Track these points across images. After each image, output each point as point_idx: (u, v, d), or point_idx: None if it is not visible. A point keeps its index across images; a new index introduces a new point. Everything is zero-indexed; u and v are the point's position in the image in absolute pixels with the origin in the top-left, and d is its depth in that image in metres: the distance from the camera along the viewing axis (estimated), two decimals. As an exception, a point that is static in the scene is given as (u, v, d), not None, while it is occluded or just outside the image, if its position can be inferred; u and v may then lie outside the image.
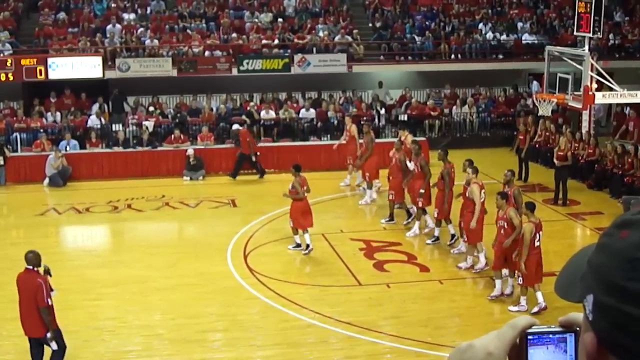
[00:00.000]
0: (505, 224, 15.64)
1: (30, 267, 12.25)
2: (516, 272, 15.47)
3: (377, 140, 25.24)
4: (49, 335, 12.22)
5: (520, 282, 15.22)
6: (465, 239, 17.89)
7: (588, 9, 24.37)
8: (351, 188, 25.29)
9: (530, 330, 1.69)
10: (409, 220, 20.93)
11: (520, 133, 26.83)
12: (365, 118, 28.81)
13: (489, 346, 1.69)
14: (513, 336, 1.70)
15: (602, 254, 1.64)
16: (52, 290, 12.36)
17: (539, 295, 15.04)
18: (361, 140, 24.22)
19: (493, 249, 16.14)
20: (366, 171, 23.36)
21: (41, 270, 12.35)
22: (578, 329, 1.70)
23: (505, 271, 16.21)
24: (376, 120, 30.22)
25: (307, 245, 18.68)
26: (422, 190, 19.67)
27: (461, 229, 18.20)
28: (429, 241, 19.54)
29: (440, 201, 19.05)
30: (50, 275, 12.50)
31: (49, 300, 12.13)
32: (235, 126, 28.07)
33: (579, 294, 1.66)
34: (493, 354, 1.69)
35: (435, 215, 19.39)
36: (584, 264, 1.68)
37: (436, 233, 19.51)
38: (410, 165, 20.47)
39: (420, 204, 19.92)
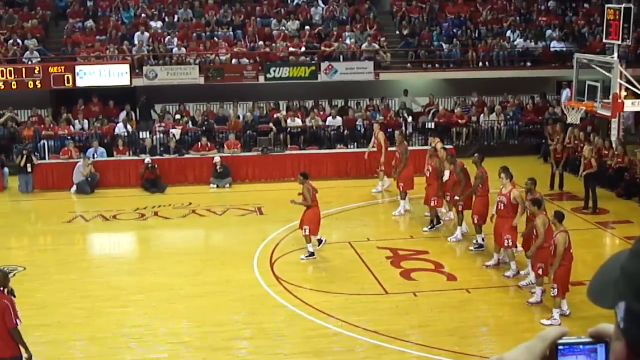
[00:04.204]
0: (535, 231, 15.63)
1: None
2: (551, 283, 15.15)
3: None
4: (25, 356, 11.44)
5: (555, 294, 14.72)
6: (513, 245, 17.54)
7: (617, 17, 24.27)
8: (383, 195, 25.28)
9: (560, 341, 1.67)
10: (432, 227, 21.03)
11: (554, 143, 26.32)
12: (385, 124, 28.71)
13: (519, 359, 1.66)
14: (543, 348, 1.68)
15: (637, 259, 1.59)
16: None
17: (564, 303, 15.08)
18: (393, 148, 24.06)
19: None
20: (400, 182, 22.82)
21: (6, 291, 11.48)
22: (608, 340, 1.66)
23: (531, 278, 16.35)
24: (403, 127, 30.13)
25: (312, 253, 19.04)
26: (456, 197, 19.83)
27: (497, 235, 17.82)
28: (472, 248, 19.47)
29: (481, 206, 19.04)
30: (14, 298, 11.60)
31: (17, 320, 11.18)
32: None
33: (611, 300, 1.63)
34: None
35: (475, 222, 19.23)
36: (617, 269, 1.64)
37: (479, 240, 19.38)
38: (446, 174, 20.43)
39: (460, 208, 19.92)
